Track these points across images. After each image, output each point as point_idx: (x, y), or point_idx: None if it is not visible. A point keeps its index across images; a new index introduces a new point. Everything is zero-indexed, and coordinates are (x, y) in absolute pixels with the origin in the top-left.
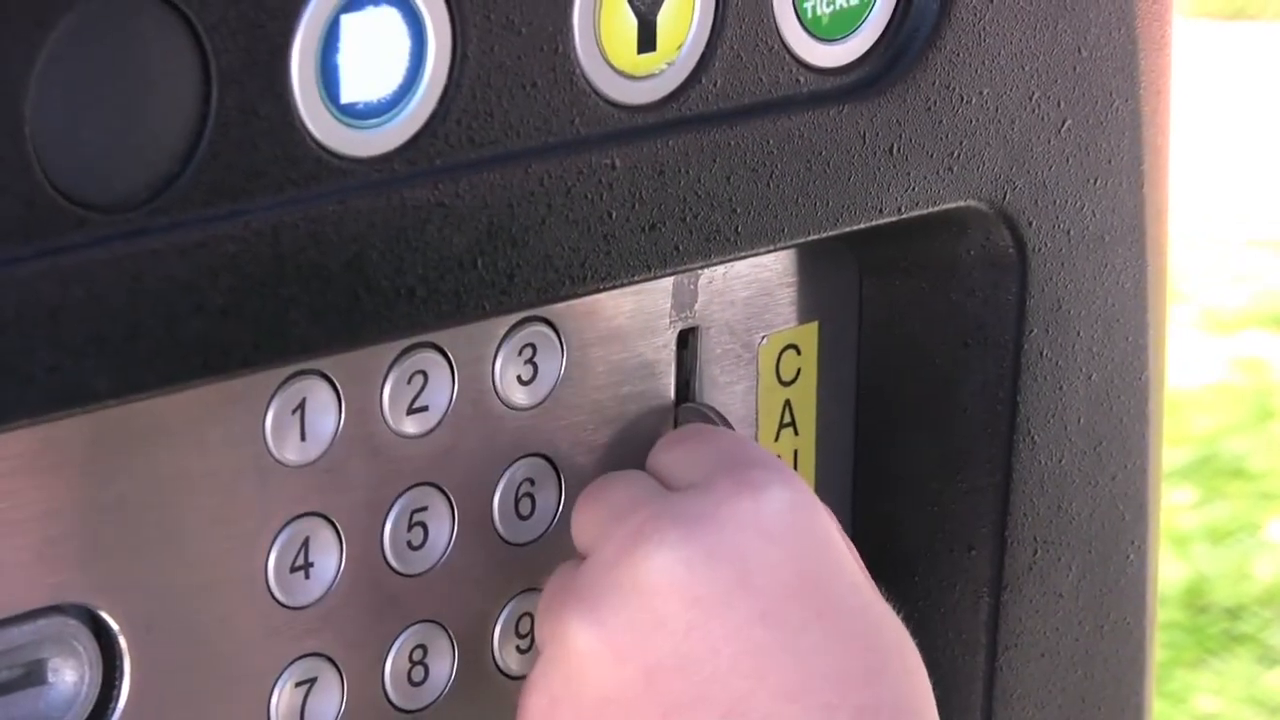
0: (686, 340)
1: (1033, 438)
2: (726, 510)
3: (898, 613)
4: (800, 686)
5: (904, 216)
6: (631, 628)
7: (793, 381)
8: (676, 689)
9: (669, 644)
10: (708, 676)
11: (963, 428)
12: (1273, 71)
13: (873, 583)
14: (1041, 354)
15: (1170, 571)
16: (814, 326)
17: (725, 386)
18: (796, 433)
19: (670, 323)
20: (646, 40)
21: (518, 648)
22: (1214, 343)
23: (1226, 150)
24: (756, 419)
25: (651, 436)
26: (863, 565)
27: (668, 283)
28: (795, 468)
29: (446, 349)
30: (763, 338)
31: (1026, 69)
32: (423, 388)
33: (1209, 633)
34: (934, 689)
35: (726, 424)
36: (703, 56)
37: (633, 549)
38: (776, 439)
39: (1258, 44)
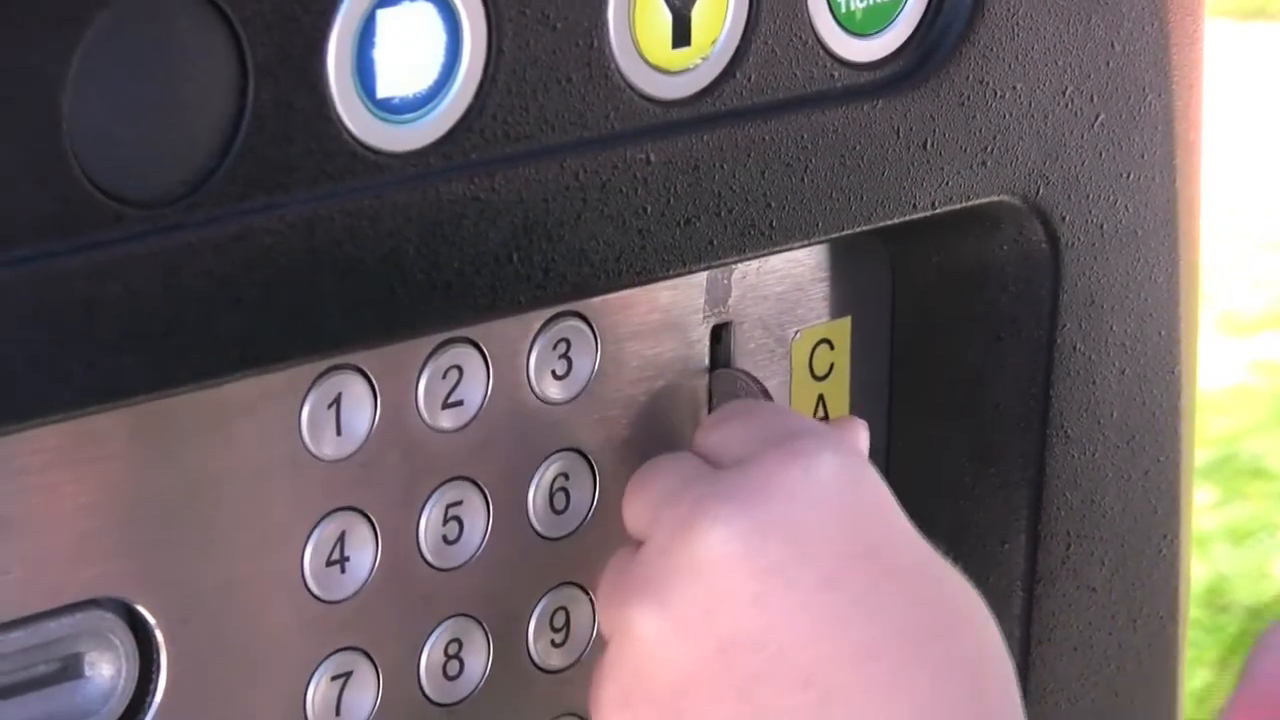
0: (720, 335)
1: (1065, 432)
2: (777, 482)
3: None
4: (876, 645)
5: (937, 211)
6: (696, 606)
7: (825, 376)
8: (752, 663)
9: (737, 619)
10: (781, 647)
11: (995, 422)
12: None
13: (928, 542)
14: (1074, 349)
15: (1191, 571)
16: (847, 321)
17: None
18: None
19: (704, 318)
20: (681, 35)
21: (552, 641)
22: (1232, 345)
23: (1244, 151)
24: None
25: (686, 431)
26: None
27: (701, 278)
28: None
29: (481, 343)
30: (796, 332)
31: (1059, 64)
32: (458, 382)
33: (1230, 632)
34: None
35: (762, 387)
36: (737, 51)
37: (687, 530)
38: None
39: (1277, 44)
